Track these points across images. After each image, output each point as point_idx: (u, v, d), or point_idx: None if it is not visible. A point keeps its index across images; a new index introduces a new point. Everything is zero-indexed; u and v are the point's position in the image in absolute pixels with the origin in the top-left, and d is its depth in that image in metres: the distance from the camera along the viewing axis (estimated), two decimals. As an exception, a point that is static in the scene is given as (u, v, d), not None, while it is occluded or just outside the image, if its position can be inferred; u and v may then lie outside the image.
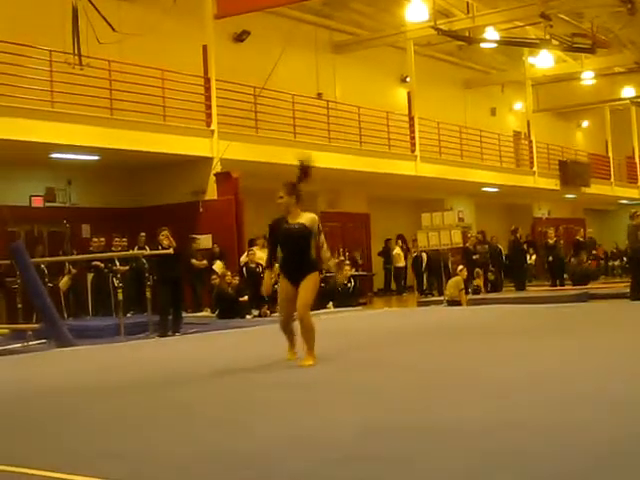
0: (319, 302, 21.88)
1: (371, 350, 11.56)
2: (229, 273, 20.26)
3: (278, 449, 5.49)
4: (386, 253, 30.71)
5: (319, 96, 29.36)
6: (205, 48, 23.06)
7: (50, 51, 19.74)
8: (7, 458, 5.46)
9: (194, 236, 21.39)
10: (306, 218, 9.82)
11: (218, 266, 20.89)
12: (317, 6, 29.39)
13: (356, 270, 26.03)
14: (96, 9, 18.56)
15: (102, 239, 20.56)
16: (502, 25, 31.33)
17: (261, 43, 27.28)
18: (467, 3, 30.66)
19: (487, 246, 27.54)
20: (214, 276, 20.52)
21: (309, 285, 9.76)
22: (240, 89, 23.82)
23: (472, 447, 5.27)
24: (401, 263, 30.22)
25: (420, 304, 23.81)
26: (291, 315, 10.03)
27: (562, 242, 28.74)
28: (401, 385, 8.04)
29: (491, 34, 31.75)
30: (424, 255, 27.86)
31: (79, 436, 6.32)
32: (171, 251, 16.63)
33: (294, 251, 9.80)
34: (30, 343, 16.00)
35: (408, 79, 32.16)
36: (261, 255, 22.13)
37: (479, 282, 24.84)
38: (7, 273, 19.34)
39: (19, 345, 15.91)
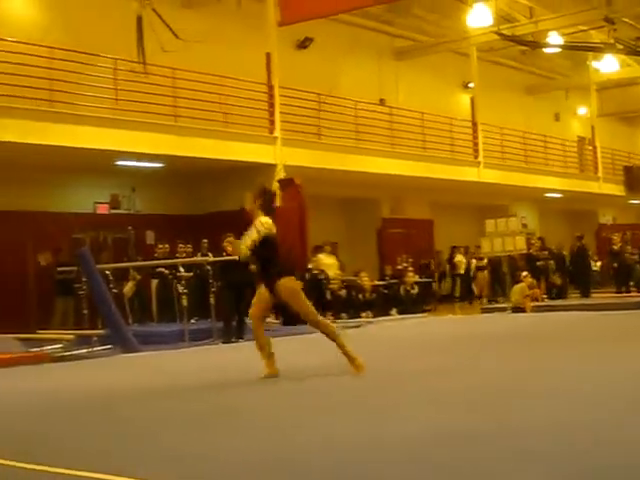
0: (382, 309, 21.93)
1: (433, 357, 11.46)
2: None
3: (354, 453, 5.45)
4: (450, 260, 30.53)
5: (382, 102, 29.27)
6: (268, 55, 23.09)
7: (115, 59, 19.92)
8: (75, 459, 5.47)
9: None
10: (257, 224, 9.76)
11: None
12: (379, 12, 29.37)
13: (420, 277, 25.89)
14: (160, 17, 18.67)
15: (166, 245, 20.66)
16: (565, 30, 31.00)
17: (324, 50, 27.33)
18: (530, 8, 30.41)
19: (547, 252, 27.22)
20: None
21: (293, 299, 9.67)
22: (303, 96, 23.83)
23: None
24: (463, 270, 30.00)
25: (484, 311, 23.61)
26: (260, 318, 9.93)
27: (629, 248, 28.24)
28: (467, 390, 7.94)
29: (554, 39, 31.42)
30: (486, 261, 27.63)
31: (139, 438, 6.33)
32: (235, 257, 16.64)
33: (257, 258, 9.83)
34: (95, 349, 16.13)
35: (471, 85, 31.98)
36: (327, 262, 22.17)
37: (537, 291, 24.39)
38: (75, 279, 19.52)
39: (85, 351, 16.05)
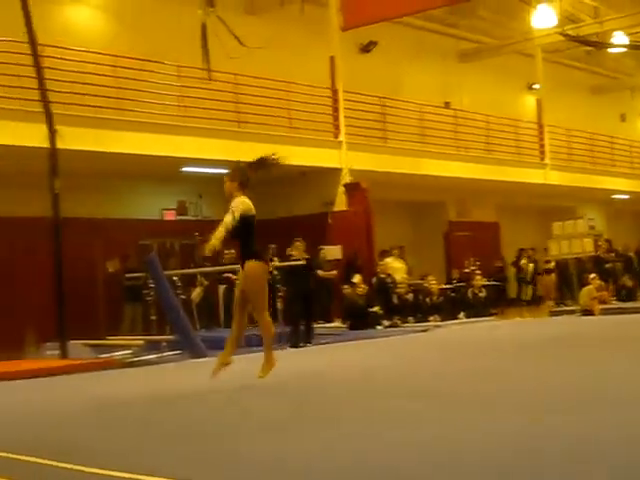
0: (450, 312, 21.78)
1: (503, 360, 11.34)
2: (362, 285, 20.21)
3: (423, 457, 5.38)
4: (517, 263, 30.20)
5: (446, 105, 29.12)
6: (332, 60, 23.09)
7: (179, 66, 20.03)
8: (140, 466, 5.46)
9: (320, 247, 21.39)
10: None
11: (358, 279, 20.71)
12: (443, 15, 29.25)
13: (488, 280, 25.64)
14: (224, 24, 18.72)
15: (233, 251, 20.67)
16: (631, 29, 30.56)
17: (388, 53, 27.27)
18: (594, 8, 30.06)
19: (614, 254, 26.84)
20: (346, 286, 20.47)
21: (251, 284, 9.54)
22: (367, 100, 23.76)
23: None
24: (530, 273, 29.64)
25: (552, 314, 23.34)
26: (242, 305, 9.77)
27: None
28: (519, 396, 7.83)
29: (619, 38, 31.01)
30: (554, 264, 27.30)
31: (212, 443, 6.30)
32: (302, 262, 16.68)
33: (237, 237, 9.77)
34: (165, 354, 16.22)
35: (536, 86, 31.71)
36: (394, 265, 22.06)
37: (605, 293, 23.97)
38: (143, 286, 19.66)
39: (154, 356, 16.14)
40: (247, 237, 9.77)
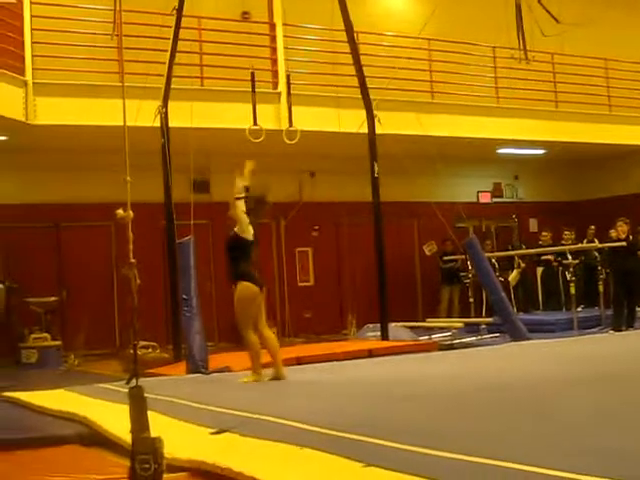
0: None
1: None
2: None
3: None
4: None
5: None
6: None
7: (493, 47, 19.89)
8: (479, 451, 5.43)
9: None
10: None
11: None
12: None
13: None
14: (539, 2, 18.41)
15: (549, 233, 20.44)
16: None
17: None
18: None
19: None
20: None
21: (238, 303, 10.20)
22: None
23: None
24: None
25: None
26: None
27: None
28: None
29: None
30: None
31: (554, 431, 6.13)
32: (623, 243, 16.19)
33: (229, 253, 10.45)
34: (484, 336, 16.25)
35: None
36: None
37: None
38: (459, 268, 19.78)
39: (473, 338, 16.20)
40: (241, 258, 10.25)
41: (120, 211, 5.99)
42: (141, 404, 5.50)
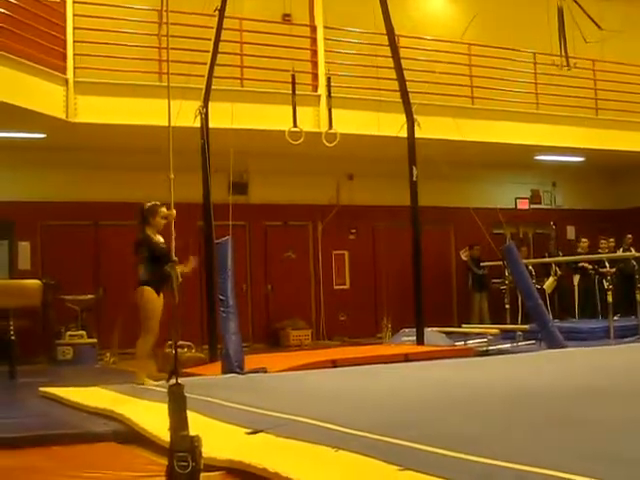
0: None
1: None
2: None
3: None
4: None
5: None
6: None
7: (534, 53, 19.82)
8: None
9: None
10: None
11: None
12: None
13: None
14: (581, 8, 18.30)
15: (586, 240, 20.36)
16: None
17: None
18: None
19: None
20: None
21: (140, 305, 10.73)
22: None
23: None
24: None
25: None
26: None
27: None
28: None
29: None
30: None
31: (576, 437, 6.11)
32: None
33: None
34: (520, 343, 16.16)
35: None
36: None
37: None
38: (492, 275, 19.72)
39: (509, 345, 16.12)
40: (152, 265, 10.62)
41: (164, 209, 6.03)
42: (180, 402, 5.52)
